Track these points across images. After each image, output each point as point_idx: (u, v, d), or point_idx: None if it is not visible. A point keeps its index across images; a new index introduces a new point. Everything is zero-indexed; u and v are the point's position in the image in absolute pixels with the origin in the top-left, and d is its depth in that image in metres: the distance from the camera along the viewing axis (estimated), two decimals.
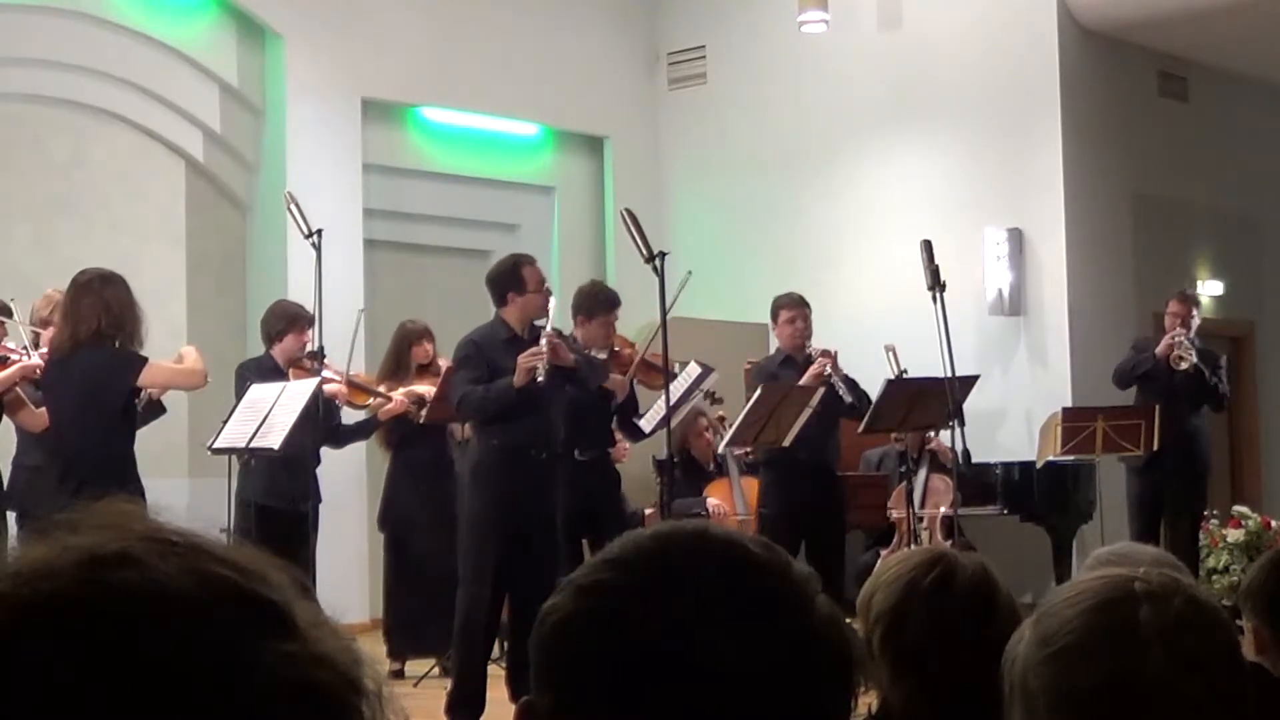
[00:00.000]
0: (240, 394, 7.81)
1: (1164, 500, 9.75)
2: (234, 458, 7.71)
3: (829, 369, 8.48)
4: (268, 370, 8.05)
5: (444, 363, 9.04)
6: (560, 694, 1.14)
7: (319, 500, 8.08)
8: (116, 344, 6.63)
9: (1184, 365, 9.54)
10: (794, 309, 8.78)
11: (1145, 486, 9.73)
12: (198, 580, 0.79)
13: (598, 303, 8.06)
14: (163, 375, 6.84)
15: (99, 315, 6.59)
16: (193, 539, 0.82)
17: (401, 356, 9.04)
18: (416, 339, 9.07)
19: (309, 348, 8.24)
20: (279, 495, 7.77)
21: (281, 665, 0.79)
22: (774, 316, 8.90)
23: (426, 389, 8.72)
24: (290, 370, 8.15)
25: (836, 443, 8.86)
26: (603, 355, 8.01)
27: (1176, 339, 9.60)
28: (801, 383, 8.40)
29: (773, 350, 9.14)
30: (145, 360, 6.69)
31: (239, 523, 7.66)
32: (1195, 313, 9.83)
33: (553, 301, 7.38)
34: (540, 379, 7.01)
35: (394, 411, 8.68)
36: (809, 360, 8.66)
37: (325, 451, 8.26)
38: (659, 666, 1.09)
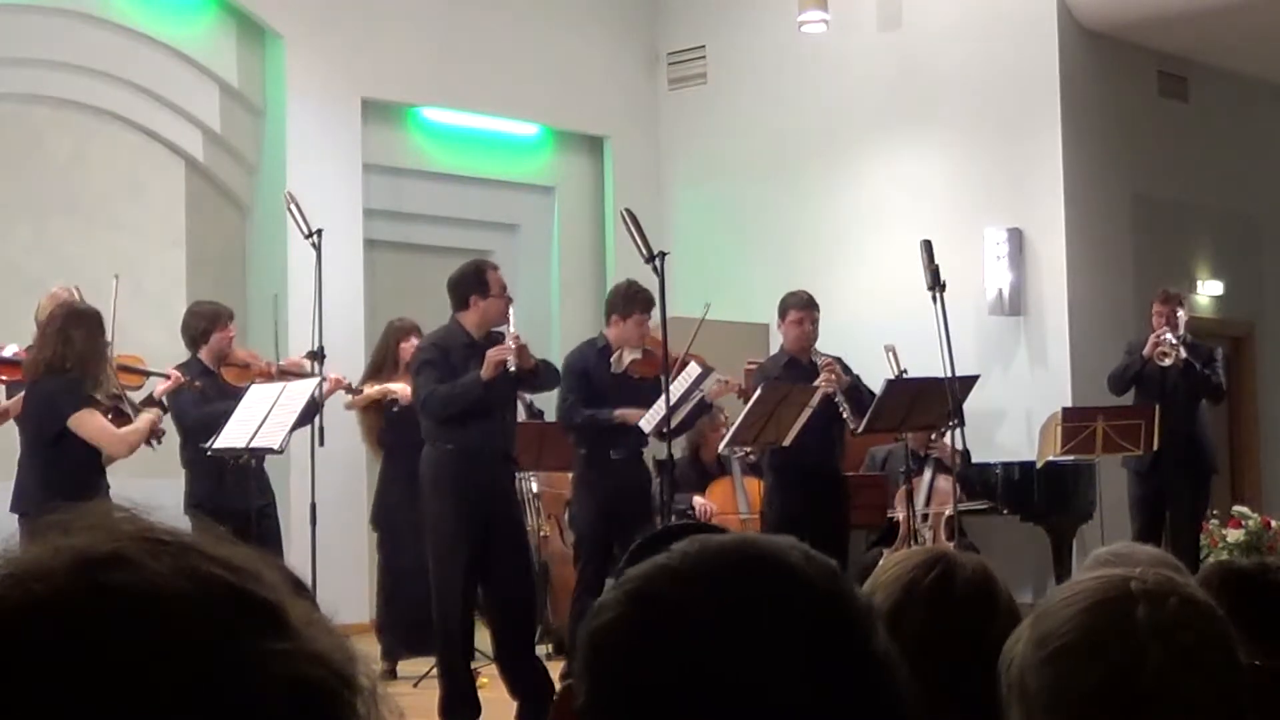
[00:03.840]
0: (170, 404, 7.82)
1: (1167, 501, 9.74)
2: (180, 462, 7.78)
3: (834, 388, 8.45)
4: (195, 374, 7.92)
5: None
6: (597, 693, 1.14)
7: (266, 498, 8.05)
8: (73, 379, 6.69)
9: (1167, 361, 9.57)
10: (802, 310, 8.72)
11: (1148, 487, 9.73)
12: (190, 580, 0.79)
13: (634, 302, 8.01)
14: (92, 429, 6.74)
15: (58, 347, 6.68)
16: (184, 539, 0.82)
17: (388, 353, 9.08)
18: (404, 335, 9.10)
19: (234, 340, 8.25)
20: (226, 496, 7.65)
21: (275, 663, 0.79)
22: (781, 314, 8.84)
23: (401, 387, 8.75)
24: (221, 369, 8.10)
25: (840, 441, 8.84)
26: (636, 355, 7.98)
27: (1160, 337, 9.62)
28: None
29: (773, 349, 9.12)
30: (87, 403, 6.69)
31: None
32: (1181, 310, 9.81)
33: (512, 310, 7.38)
34: (512, 369, 7.06)
35: (357, 405, 8.72)
36: (813, 364, 8.64)
37: (324, 451, 8.24)
38: (702, 691, 1.08)
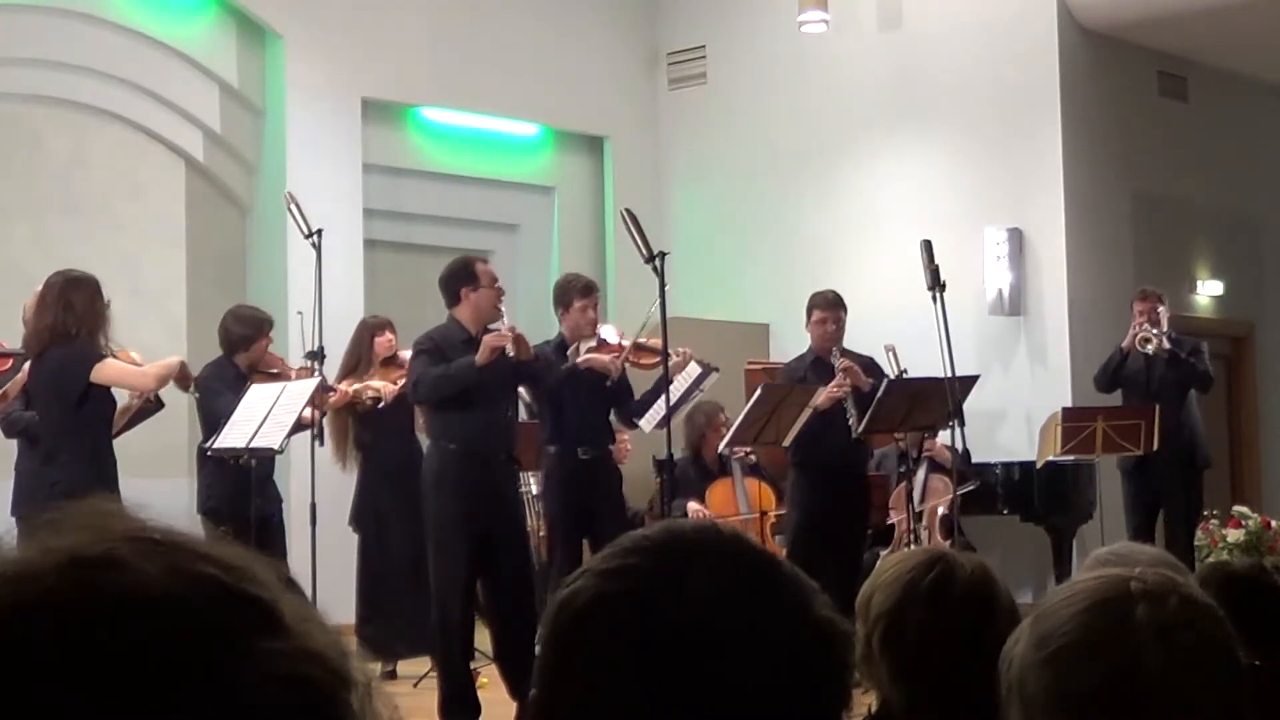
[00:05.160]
0: (203, 403, 7.83)
1: (1160, 499, 9.74)
2: (192, 466, 7.80)
3: (844, 394, 8.42)
4: (230, 379, 7.95)
5: (406, 354, 9.04)
6: (588, 679, 1.14)
7: (279, 503, 8.04)
8: (79, 340, 6.80)
9: (1150, 347, 9.60)
10: (826, 310, 8.68)
11: (1140, 485, 9.73)
12: (183, 579, 0.79)
13: (574, 289, 8.07)
14: (114, 373, 6.93)
15: (60, 313, 6.77)
16: (176, 537, 0.82)
17: (362, 351, 9.02)
18: (378, 330, 9.07)
19: (269, 351, 8.25)
20: (236, 501, 7.63)
21: (269, 661, 0.78)
22: (807, 314, 8.79)
23: (383, 384, 8.72)
24: (254, 376, 8.10)
25: (860, 441, 8.77)
26: (591, 342, 8.02)
27: (1139, 326, 9.66)
28: (818, 405, 8.32)
29: (773, 349, 9.10)
30: (102, 357, 6.82)
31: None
32: (1162, 307, 9.84)
33: (505, 302, 7.40)
34: (511, 353, 7.10)
35: (338, 404, 8.65)
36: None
37: (324, 451, 8.24)
38: (683, 645, 1.12)
